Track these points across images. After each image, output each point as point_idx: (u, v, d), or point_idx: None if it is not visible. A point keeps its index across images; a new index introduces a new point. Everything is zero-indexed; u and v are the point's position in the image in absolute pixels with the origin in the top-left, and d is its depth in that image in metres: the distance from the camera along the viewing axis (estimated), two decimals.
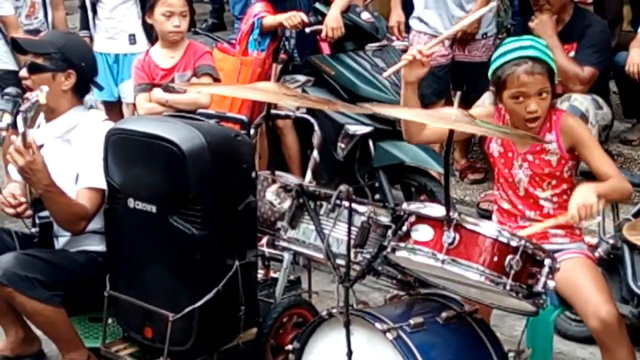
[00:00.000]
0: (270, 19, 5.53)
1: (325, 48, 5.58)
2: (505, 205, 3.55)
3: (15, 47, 4.08)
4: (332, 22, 5.34)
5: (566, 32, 5.21)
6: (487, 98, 5.44)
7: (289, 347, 3.30)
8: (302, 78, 5.52)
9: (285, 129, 5.44)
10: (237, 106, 5.36)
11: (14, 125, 3.70)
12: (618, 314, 3.30)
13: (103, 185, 3.77)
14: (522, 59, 3.38)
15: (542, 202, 3.48)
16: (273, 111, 4.92)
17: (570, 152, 3.45)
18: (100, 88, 4.31)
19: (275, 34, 5.62)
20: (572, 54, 5.19)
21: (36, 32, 5.81)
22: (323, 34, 5.39)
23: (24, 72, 3.95)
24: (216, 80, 4.95)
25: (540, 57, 3.39)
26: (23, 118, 3.55)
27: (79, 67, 3.93)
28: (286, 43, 5.66)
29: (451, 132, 2.94)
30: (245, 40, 5.62)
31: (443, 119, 3.00)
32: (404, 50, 6.06)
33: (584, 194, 3.22)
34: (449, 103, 5.43)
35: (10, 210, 3.93)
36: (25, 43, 4.09)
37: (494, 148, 3.57)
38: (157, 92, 4.88)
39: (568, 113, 3.60)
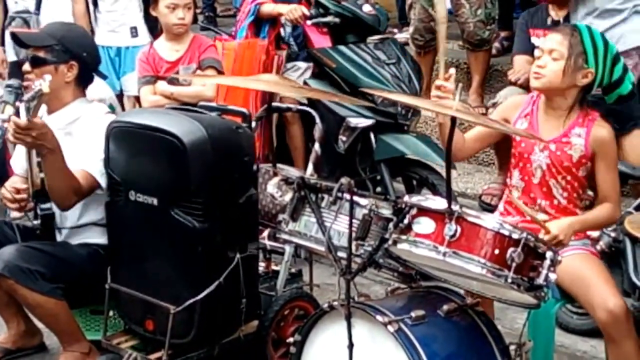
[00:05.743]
0: (270, 7, 5.47)
1: (316, 39, 5.52)
2: (516, 194, 3.52)
3: (16, 41, 4.07)
4: None
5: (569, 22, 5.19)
6: (506, 93, 5.40)
7: (290, 339, 3.30)
8: (303, 65, 5.52)
9: (292, 119, 5.47)
10: (239, 98, 5.34)
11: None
12: (626, 307, 3.28)
13: (98, 175, 3.76)
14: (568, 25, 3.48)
15: (554, 193, 3.47)
16: (275, 104, 4.92)
17: (593, 156, 3.43)
18: (104, 77, 4.30)
19: (275, 21, 5.56)
20: None
21: (26, 12, 5.81)
22: None
23: (26, 66, 3.95)
24: (220, 73, 4.95)
25: (580, 28, 3.39)
26: (26, 107, 3.53)
27: (80, 58, 3.93)
28: (282, 30, 5.61)
29: (453, 121, 2.92)
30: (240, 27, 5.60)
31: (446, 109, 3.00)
32: (405, 43, 6.07)
33: (565, 230, 3.30)
34: None
35: (13, 205, 3.93)
36: (25, 37, 4.07)
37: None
38: (162, 85, 4.88)
39: (605, 122, 3.50)
